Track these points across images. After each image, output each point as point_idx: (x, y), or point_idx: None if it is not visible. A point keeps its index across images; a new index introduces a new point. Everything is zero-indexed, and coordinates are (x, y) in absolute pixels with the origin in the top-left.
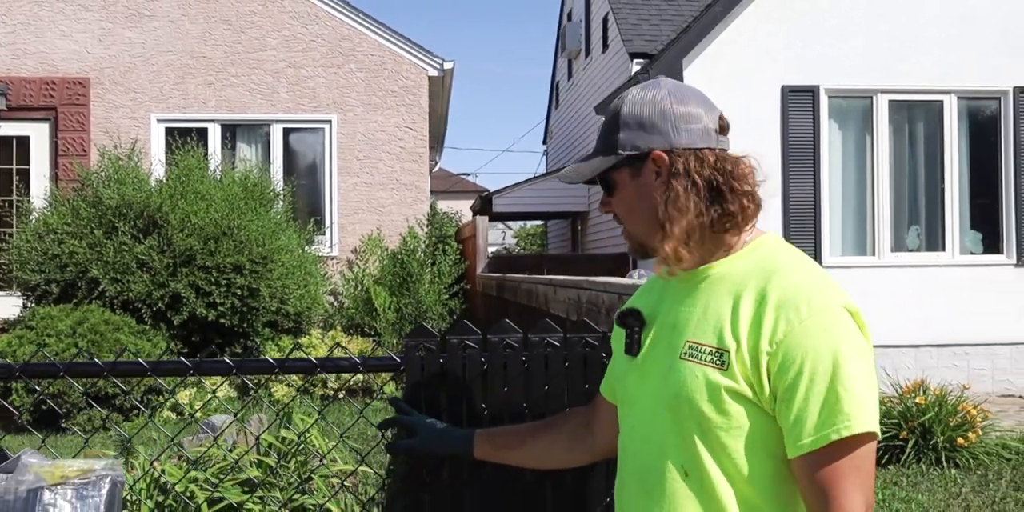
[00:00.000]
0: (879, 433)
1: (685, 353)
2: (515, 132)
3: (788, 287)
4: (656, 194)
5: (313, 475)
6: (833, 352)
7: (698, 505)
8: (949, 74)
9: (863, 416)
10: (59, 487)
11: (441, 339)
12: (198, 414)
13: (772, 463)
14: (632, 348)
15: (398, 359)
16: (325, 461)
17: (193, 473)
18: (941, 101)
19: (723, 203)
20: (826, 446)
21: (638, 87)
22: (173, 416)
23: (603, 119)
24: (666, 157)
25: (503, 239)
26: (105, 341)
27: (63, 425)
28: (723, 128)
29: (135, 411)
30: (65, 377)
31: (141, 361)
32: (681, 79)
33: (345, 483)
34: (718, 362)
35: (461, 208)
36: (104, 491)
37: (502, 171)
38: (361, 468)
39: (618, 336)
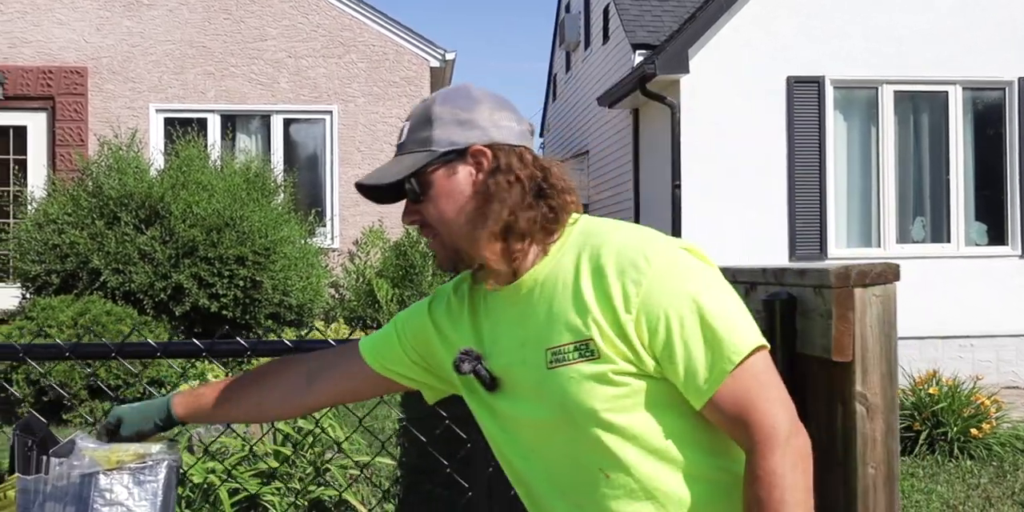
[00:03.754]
0: (766, 342)
1: (551, 361)
2: None
3: (618, 251)
4: (476, 190)
5: (330, 466)
6: (689, 293)
7: (632, 498)
8: (954, 65)
9: (744, 334)
10: (115, 472)
11: None
12: None
13: (684, 421)
14: (489, 385)
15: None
16: (342, 451)
17: (210, 463)
18: (946, 92)
19: (547, 198)
20: (727, 380)
21: (445, 90)
22: None
23: (407, 122)
24: (487, 151)
25: None
26: (107, 332)
27: (64, 417)
28: (532, 133)
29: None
30: (71, 359)
31: (151, 341)
32: (687, 70)
33: (363, 473)
34: (587, 353)
35: None
36: (161, 476)
37: None
38: (377, 459)
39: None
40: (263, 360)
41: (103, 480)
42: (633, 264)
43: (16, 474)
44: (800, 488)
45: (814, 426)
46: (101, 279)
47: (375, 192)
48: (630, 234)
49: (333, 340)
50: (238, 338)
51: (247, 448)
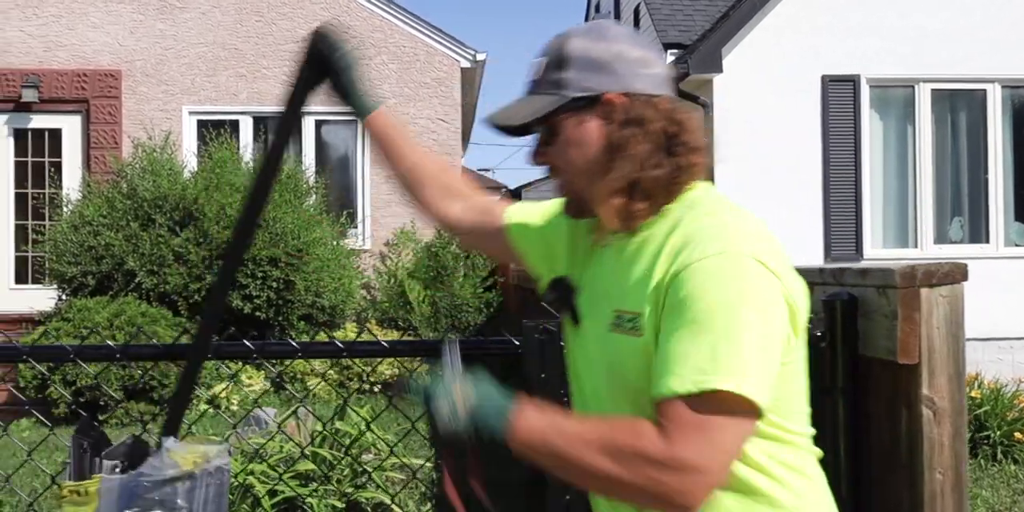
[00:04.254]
0: (756, 402)
1: (613, 323)
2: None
3: (694, 229)
4: (605, 143)
5: (368, 469)
6: (722, 299)
7: None
8: (993, 63)
9: (735, 373)
10: (194, 474)
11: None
12: (235, 407)
13: None
14: (573, 317)
15: (516, 342)
16: (380, 454)
17: (250, 465)
18: (984, 90)
19: (675, 156)
20: (687, 396)
21: (583, 27)
22: (211, 410)
23: (540, 59)
24: (620, 101)
25: None
26: (142, 334)
27: (101, 418)
28: (673, 80)
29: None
30: (121, 361)
31: (157, 343)
32: (720, 69)
33: (400, 477)
34: (634, 328)
35: None
36: (225, 478)
37: (521, 167)
38: (414, 461)
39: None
40: (314, 362)
41: (186, 483)
42: (694, 246)
43: (100, 474)
44: (627, 464)
45: (875, 428)
46: (136, 280)
47: (503, 128)
48: (721, 217)
49: (385, 341)
50: (290, 340)
51: (283, 450)
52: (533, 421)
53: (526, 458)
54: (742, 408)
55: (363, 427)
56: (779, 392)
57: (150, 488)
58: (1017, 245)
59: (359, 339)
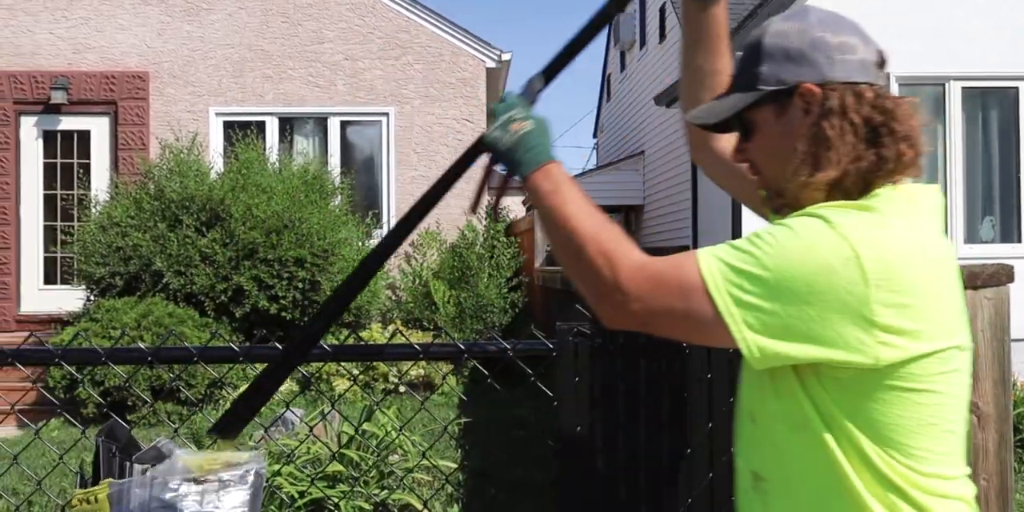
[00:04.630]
0: (703, 272)
1: None
2: (559, 128)
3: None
4: (803, 136)
5: (396, 470)
6: (771, 227)
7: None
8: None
9: (714, 261)
10: (207, 480)
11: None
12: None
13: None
14: None
15: (550, 344)
16: (407, 456)
17: (276, 466)
18: (1016, 88)
19: (880, 148)
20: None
21: (780, 16)
22: None
23: (739, 54)
24: (818, 91)
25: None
26: (170, 334)
27: (129, 418)
28: (881, 63)
29: (199, 405)
30: (152, 364)
31: (189, 346)
32: None
33: (428, 479)
34: None
35: (505, 203)
36: (250, 482)
37: None
38: (441, 463)
39: None
40: (344, 364)
41: (195, 487)
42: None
43: (108, 479)
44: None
45: None
46: (163, 281)
47: (704, 125)
48: (851, 207)
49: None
50: (322, 344)
51: (310, 451)
52: (556, 173)
53: (529, 195)
54: (707, 264)
55: (390, 429)
56: (884, 416)
57: (159, 493)
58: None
59: (392, 341)
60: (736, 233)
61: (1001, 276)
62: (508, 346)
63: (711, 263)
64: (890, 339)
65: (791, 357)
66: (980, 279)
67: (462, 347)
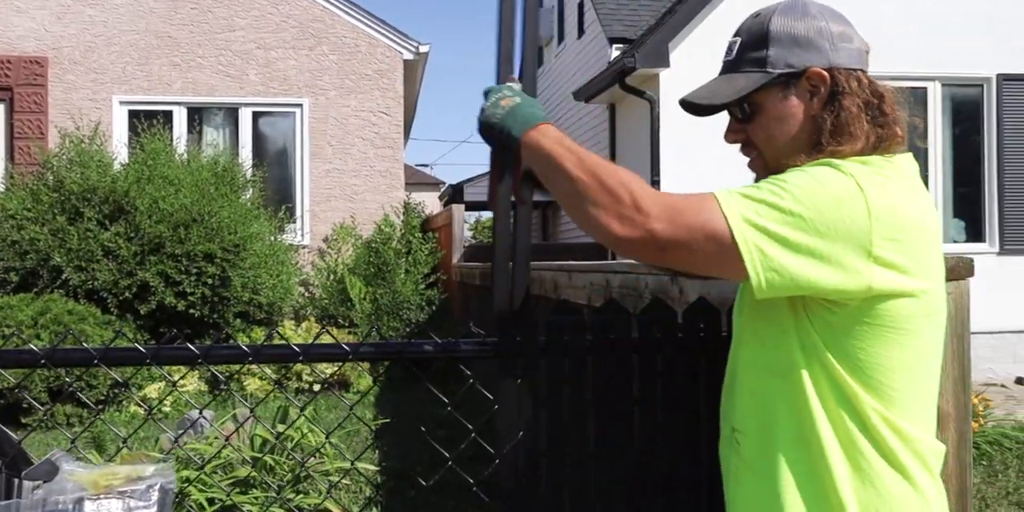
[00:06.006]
0: (723, 208)
1: None
2: (473, 122)
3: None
4: (811, 117)
5: (312, 473)
6: (787, 173)
7: None
8: (933, 61)
9: (729, 193)
10: (103, 497)
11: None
12: (167, 408)
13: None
14: None
15: (489, 344)
16: (326, 459)
17: (184, 472)
18: (925, 88)
19: (878, 127)
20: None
21: (781, 4)
22: (141, 411)
23: (736, 38)
24: (826, 75)
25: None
26: (70, 333)
27: (24, 421)
28: (868, 52)
29: (100, 406)
30: (47, 366)
31: (89, 348)
32: (667, 64)
33: (346, 482)
34: None
35: (421, 199)
36: (154, 499)
37: (460, 163)
38: (360, 465)
39: None
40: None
41: (89, 506)
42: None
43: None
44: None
45: None
46: (63, 277)
47: (696, 107)
48: (864, 163)
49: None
50: (239, 343)
51: (221, 456)
52: (554, 128)
53: (530, 153)
54: (714, 203)
55: (306, 430)
56: (868, 355)
57: None
58: (955, 241)
59: (317, 341)
60: None
61: (961, 270)
62: (445, 346)
63: (727, 194)
64: (884, 271)
65: (792, 277)
66: None
67: (396, 348)
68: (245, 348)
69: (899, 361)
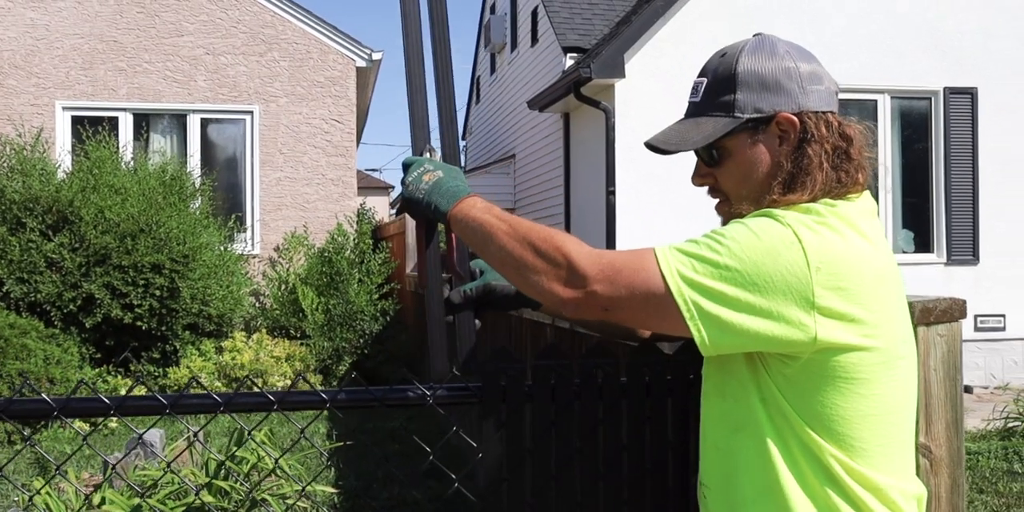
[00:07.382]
0: (662, 263)
1: None
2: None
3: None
4: (779, 162)
5: (267, 497)
6: (727, 226)
7: None
8: (883, 74)
9: (668, 249)
10: None
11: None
12: (114, 423)
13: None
14: None
15: (470, 388)
16: (281, 481)
17: (135, 500)
18: (875, 100)
19: (840, 171)
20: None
21: (748, 44)
22: (86, 426)
23: (702, 79)
24: (796, 120)
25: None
26: (11, 347)
27: None
28: (837, 91)
29: (41, 422)
30: None
31: (46, 398)
32: (623, 74)
33: (304, 505)
34: None
35: (372, 204)
36: None
37: None
38: (318, 488)
39: None
40: (200, 373)
41: None
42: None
43: None
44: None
45: None
46: (3, 289)
47: (663, 149)
48: (799, 210)
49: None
50: (210, 392)
51: (174, 482)
52: (481, 200)
53: (459, 225)
54: (652, 260)
55: (262, 453)
56: (827, 408)
57: None
58: (904, 252)
59: (295, 389)
60: (610, 237)
61: (954, 311)
62: (428, 393)
63: (666, 251)
64: (829, 322)
65: (734, 333)
66: (933, 315)
67: (376, 395)
68: (216, 397)
69: (860, 411)
